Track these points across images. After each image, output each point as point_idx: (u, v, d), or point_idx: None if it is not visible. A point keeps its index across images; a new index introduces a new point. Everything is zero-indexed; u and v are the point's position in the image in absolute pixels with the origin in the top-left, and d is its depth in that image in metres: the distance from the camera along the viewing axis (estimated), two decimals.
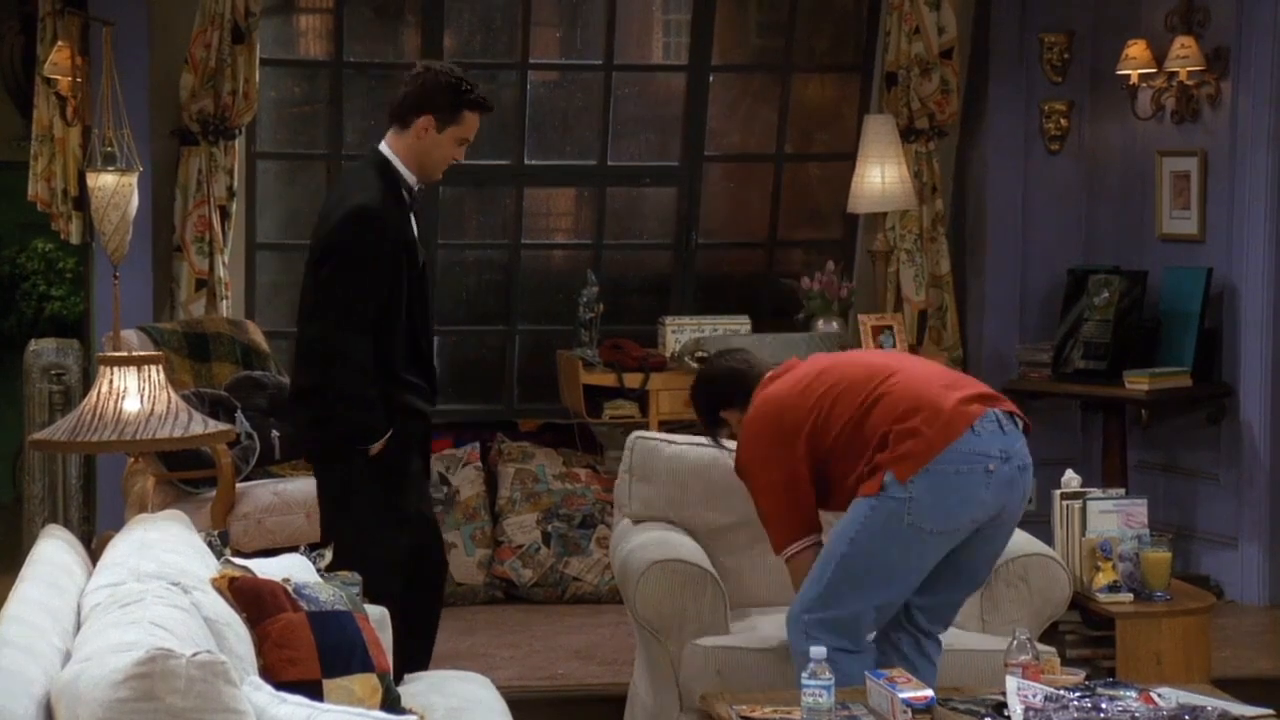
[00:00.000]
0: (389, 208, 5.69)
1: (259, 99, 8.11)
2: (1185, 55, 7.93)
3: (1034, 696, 4.43)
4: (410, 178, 5.73)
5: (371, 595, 5.31)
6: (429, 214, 8.36)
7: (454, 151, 5.75)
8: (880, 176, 8.15)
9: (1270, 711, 4.69)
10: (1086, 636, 6.04)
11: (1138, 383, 7.80)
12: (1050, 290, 8.40)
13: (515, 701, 5.13)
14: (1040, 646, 4.99)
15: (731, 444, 5.61)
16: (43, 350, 8.54)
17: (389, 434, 5.66)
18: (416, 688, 5.04)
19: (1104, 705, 4.43)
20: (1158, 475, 8.17)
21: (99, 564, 4.47)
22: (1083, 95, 8.54)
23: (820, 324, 8.06)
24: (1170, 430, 8.13)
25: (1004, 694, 4.51)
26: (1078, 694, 4.49)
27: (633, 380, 7.88)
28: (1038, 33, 8.51)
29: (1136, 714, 4.37)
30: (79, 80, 7.91)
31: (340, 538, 5.75)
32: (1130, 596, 6.07)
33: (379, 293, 5.66)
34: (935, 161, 8.46)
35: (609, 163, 8.84)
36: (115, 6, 7.77)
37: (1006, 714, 4.42)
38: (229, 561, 4.74)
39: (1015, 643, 4.71)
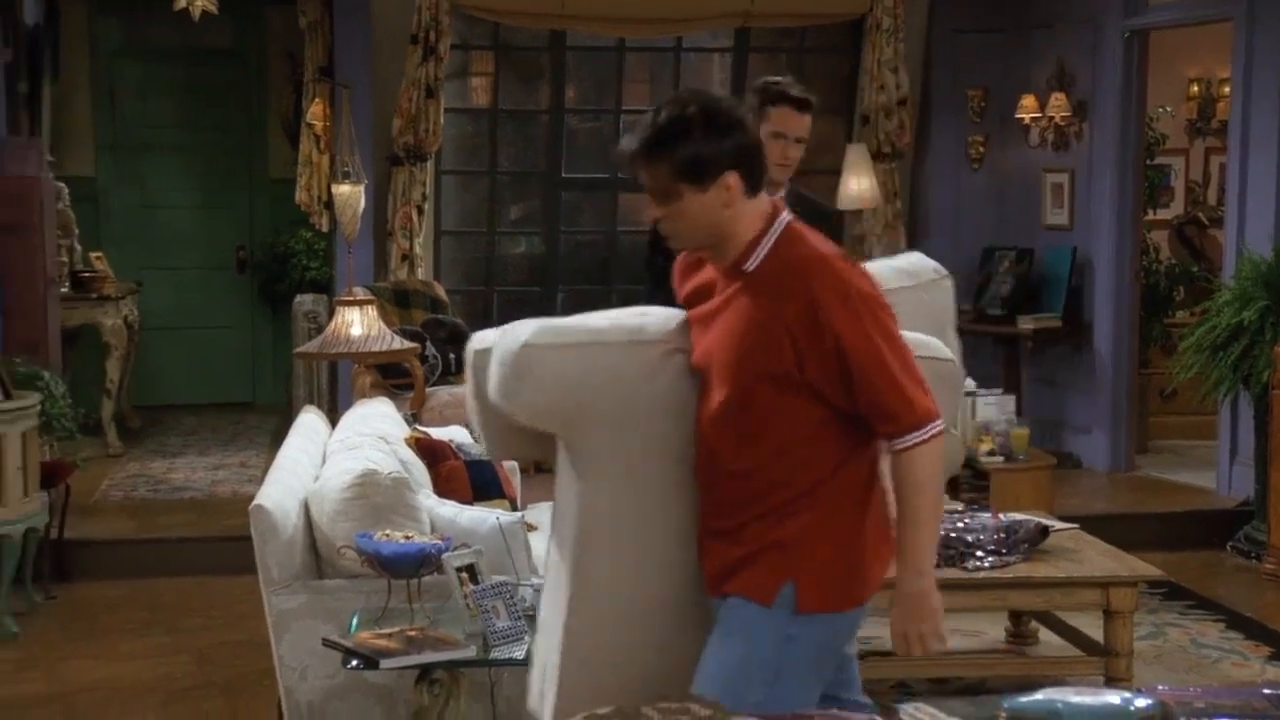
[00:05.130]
0: None
1: (443, 135, 8.15)
2: (1059, 105, 7.98)
3: None
4: None
5: None
6: (567, 210, 8.43)
7: (772, 146, 4.02)
8: (858, 185, 8.14)
9: (1076, 526, 4.76)
10: (973, 485, 6.10)
11: (1026, 324, 7.86)
12: (972, 261, 8.26)
13: None
14: None
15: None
16: (304, 302, 8.71)
17: None
18: (533, 512, 4.99)
19: (968, 520, 4.60)
20: (1041, 386, 8.17)
21: (336, 427, 4.80)
22: (994, 131, 8.47)
23: None
24: (1049, 356, 8.12)
25: None
26: (954, 516, 4.66)
27: None
28: (965, 89, 8.50)
29: (986, 524, 4.54)
30: (327, 124, 8.10)
31: None
32: (1002, 459, 6.15)
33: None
34: (895, 175, 8.41)
35: None
36: (352, 75, 7.92)
37: None
38: (416, 429, 5.01)
39: None
